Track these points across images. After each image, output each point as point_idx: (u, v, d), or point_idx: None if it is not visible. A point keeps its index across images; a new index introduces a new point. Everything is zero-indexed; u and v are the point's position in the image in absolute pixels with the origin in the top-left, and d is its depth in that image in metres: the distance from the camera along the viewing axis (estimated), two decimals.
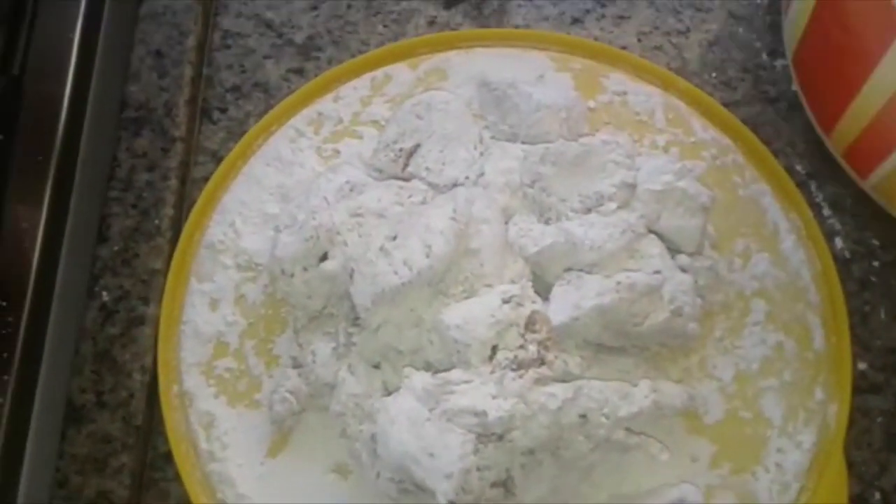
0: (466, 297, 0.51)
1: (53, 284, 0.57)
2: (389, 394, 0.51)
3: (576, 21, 0.69)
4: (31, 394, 0.54)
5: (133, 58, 0.65)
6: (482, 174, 0.56)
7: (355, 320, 0.53)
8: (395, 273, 0.50)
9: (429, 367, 0.51)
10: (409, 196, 0.55)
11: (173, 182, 0.61)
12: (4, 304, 0.55)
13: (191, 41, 0.66)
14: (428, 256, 0.50)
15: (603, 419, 0.48)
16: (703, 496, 0.51)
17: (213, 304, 0.57)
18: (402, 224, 0.52)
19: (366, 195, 0.55)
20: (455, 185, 0.56)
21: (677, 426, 0.53)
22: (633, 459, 0.51)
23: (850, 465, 0.55)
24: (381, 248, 0.51)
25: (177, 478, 0.54)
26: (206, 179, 0.62)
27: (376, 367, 0.52)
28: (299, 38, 0.68)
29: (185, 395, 0.55)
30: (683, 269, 0.55)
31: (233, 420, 0.55)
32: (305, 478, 0.53)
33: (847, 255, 0.62)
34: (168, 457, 0.55)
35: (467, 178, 0.57)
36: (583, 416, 0.48)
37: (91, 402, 0.55)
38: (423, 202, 0.55)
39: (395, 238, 0.51)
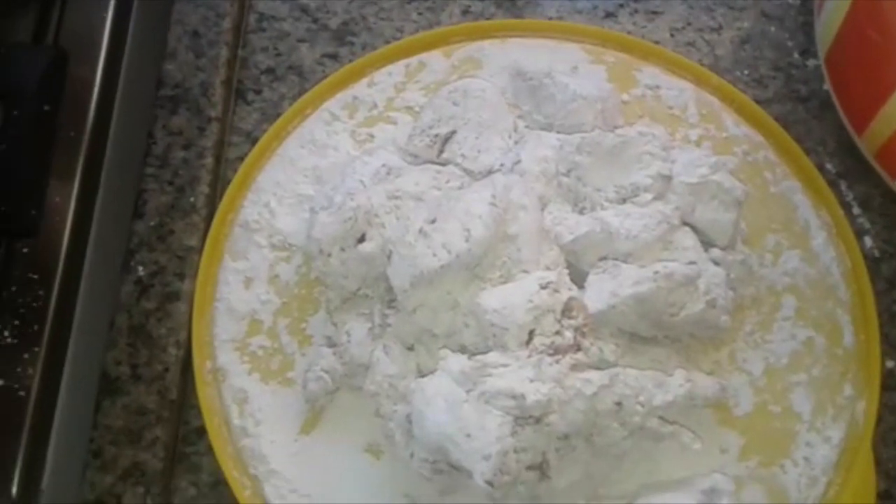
0: (503, 282, 0.51)
1: (83, 258, 0.57)
2: (423, 376, 0.51)
3: (609, 15, 0.70)
4: (62, 365, 0.54)
5: (170, 37, 0.65)
6: (518, 162, 0.56)
7: (391, 302, 0.53)
8: (434, 256, 0.50)
9: (463, 350, 0.51)
10: (447, 181, 0.56)
11: (209, 161, 0.61)
12: (36, 276, 0.55)
13: (227, 22, 0.66)
14: (467, 240, 0.50)
15: (638, 407, 0.49)
16: (734, 486, 0.52)
17: (247, 283, 0.58)
18: (440, 208, 0.52)
19: (403, 178, 0.55)
20: (490, 172, 0.57)
21: (707, 418, 0.54)
22: (665, 448, 0.52)
23: (878, 461, 0.55)
24: (420, 231, 0.51)
25: (208, 452, 0.54)
26: (239, 159, 0.62)
27: (410, 349, 0.53)
28: (334, 23, 0.68)
29: (218, 371, 0.55)
30: (716, 263, 0.55)
31: (266, 397, 0.55)
32: (338, 456, 0.53)
33: (876, 253, 0.62)
34: (200, 431, 0.55)
35: (502, 165, 0.57)
36: (618, 404, 0.48)
37: (126, 375, 0.55)
38: (461, 187, 0.55)
39: (433, 221, 0.51)
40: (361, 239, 0.53)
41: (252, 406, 0.54)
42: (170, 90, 0.63)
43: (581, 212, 0.55)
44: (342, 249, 0.53)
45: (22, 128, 0.49)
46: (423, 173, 0.56)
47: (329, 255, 0.53)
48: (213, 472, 0.54)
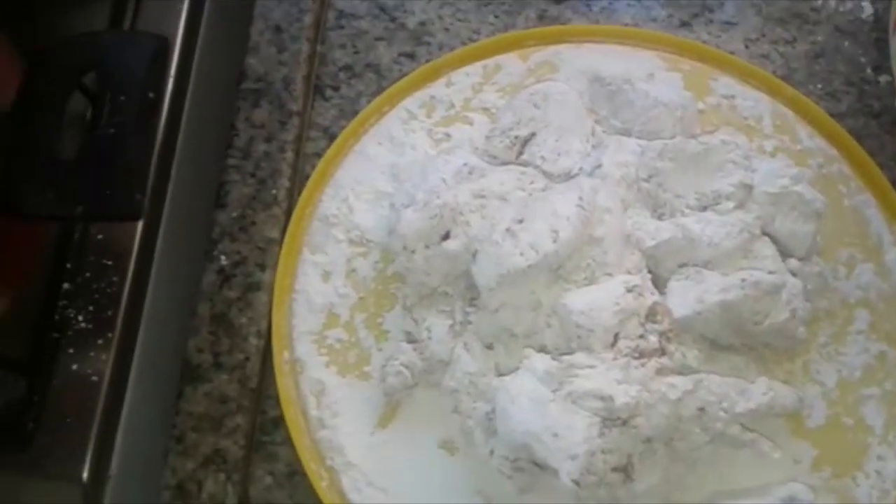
0: (587, 284, 0.52)
1: (156, 246, 0.57)
2: (501, 374, 0.52)
3: (684, 24, 0.70)
4: (133, 350, 0.55)
5: (252, 31, 0.66)
6: (599, 166, 0.57)
7: (472, 300, 0.54)
8: (521, 255, 0.51)
9: (543, 350, 0.52)
10: (531, 182, 0.56)
11: (289, 154, 0.62)
12: (110, 263, 0.56)
13: (308, 18, 0.67)
14: (555, 241, 0.51)
15: (721, 413, 0.49)
16: (813, 496, 0.52)
17: (325, 276, 0.58)
18: (527, 208, 0.53)
19: (488, 178, 0.56)
20: (569, 175, 0.57)
21: (781, 428, 0.54)
22: (740, 456, 0.52)
23: None
24: (508, 231, 0.51)
25: (285, 442, 0.55)
26: (317, 155, 0.63)
27: (488, 347, 0.53)
28: (411, 22, 0.69)
29: (296, 363, 0.56)
30: (793, 273, 0.55)
31: (343, 389, 0.55)
32: (414, 451, 0.54)
33: None
34: (276, 421, 0.56)
35: (581, 169, 0.57)
36: (701, 409, 0.49)
37: (208, 363, 0.56)
38: (544, 189, 0.56)
39: (521, 221, 0.52)
40: (446, 236, 0.54)
41: (329, 398, 0.55)
42: (252, 83, 0.64)
43: (660, 217, 0.56)
44: (426, 246, 0.54)
45: (128, 114, 0.49)
46: (507, 174, 0.56)
47: (413, 251, 0.54)
48: (290, 462, 0.55)
